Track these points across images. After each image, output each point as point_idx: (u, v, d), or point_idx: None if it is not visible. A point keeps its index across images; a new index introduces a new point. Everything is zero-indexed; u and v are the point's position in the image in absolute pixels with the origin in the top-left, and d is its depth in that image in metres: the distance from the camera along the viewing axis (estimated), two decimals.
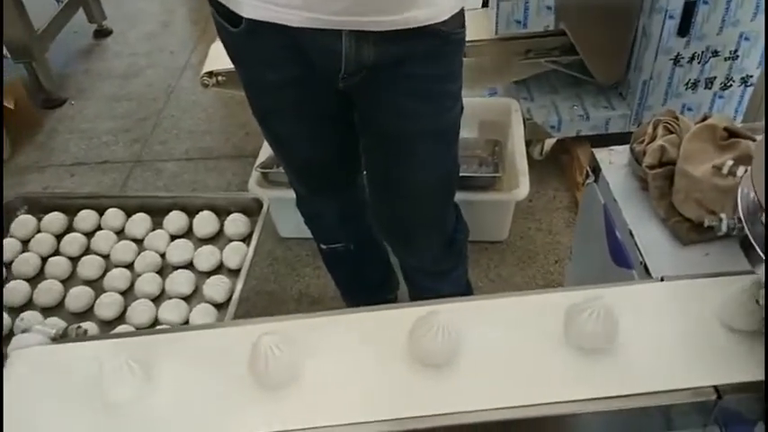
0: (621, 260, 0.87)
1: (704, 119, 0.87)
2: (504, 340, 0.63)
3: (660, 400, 0.58)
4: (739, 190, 0.62)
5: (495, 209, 1.67)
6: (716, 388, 0.59)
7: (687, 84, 1.74)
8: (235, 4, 0.86)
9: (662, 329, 0.63)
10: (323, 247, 1.31)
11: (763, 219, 0.57)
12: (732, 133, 0.83)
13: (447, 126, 1.00)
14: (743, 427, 0.64)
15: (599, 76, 1.79)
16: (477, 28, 1.76)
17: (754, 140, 0.81)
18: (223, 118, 2.30)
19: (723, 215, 0.62)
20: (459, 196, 1.45)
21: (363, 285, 1.43)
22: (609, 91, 1.87)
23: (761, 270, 0.58)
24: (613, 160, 0.93)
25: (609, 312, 0.59)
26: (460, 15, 0.89)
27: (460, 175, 1.60)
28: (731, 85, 1.76)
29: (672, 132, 0.86)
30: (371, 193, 1.11)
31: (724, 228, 0.61)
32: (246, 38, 0.89)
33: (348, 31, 0.84)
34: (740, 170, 0.68)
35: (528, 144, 1.84)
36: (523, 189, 1.57)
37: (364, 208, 1.18)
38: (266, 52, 0.91)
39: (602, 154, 0.94)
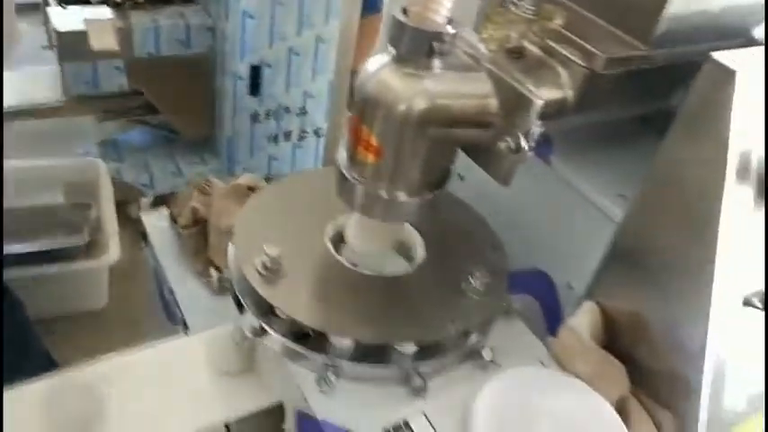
0: (172, 317, 0.89)
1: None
2: None
3: None
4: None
5: (88, 277, 1.58)
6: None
7: (269, 138, 1.91)
8: None
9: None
10: None
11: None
12: (254, 190, 0.93)
13: None
14: None
15: (186, 134, 1.85)
16: (47, 88, 1.66)
17: None
18: None
19: (214, 272, 0.69)
20: (44, 270, 1.34)
21: None
22: (201, 146, 1.95)
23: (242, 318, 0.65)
24: (159, 223, 0.95)
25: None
26: None
27: (44, 249, 1.48)
28: (306, 137, 1.99)
29: (205, 194, 0.92)
30: None
31: (215, 284, 0.68)
32: None
33: None
34: None
35: (124, 203, 1.79)
36: (113, 253, 1.52)
37: None
38: None
39: (149, 218, 0.96)
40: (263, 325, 0.63)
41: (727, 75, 0.55)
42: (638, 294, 0.66)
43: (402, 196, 0.60)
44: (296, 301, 0.63)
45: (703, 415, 0.62)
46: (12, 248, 1.41)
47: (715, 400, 0.62)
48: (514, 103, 0.56)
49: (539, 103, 0.54)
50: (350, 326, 0.63)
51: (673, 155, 0.60)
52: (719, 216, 0.57)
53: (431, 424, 0.58)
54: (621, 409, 0.63)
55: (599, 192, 0.72)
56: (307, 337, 0.63)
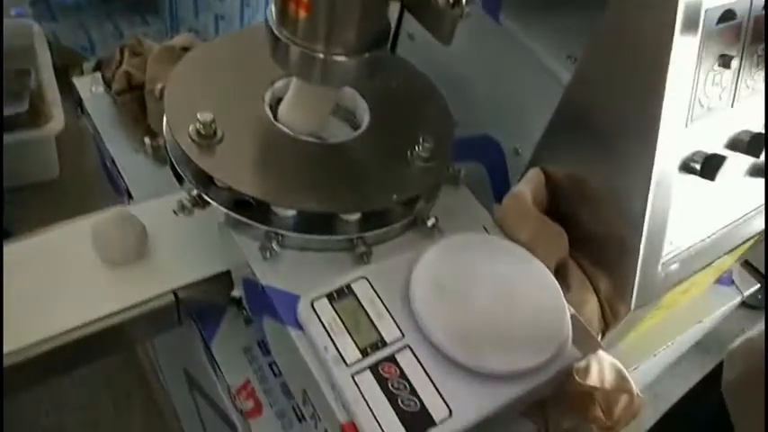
0: (116, 187, 0.87)
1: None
2: None
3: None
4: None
5: (34, 147, 1.52)
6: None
7: None
8: None
9: None
10: None
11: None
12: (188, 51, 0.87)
13: None
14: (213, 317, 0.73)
15: None
16: None
17: None
18: None
19: (147, 140, 0.66)
20: None
21: None
22: (143, 6, 1.82)
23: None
24: (95, 89, 0.90)
25: None
26: None
27: None
28: None
29: (137, 54, 0.86)
30: None
31: (149, 151, 0.65)
32: None
33: None
34: None
35: (66, 69, 1.69)
36: (57, 121, 1.46)
37: None
38: None
39: (83, 83, 0.91)
40: (203, 195, 0.62)
41: None
42: (582, 158, 0.66)
43: (339, 56, 0.57)
44: (234, 171, 0.61)
45: (638, 276, 0.64)
46: None
47: (650, 261, 0.64)
48: None
49: None
50: (292, 195, 0.62)
51: (621, 11, 0.57)
52: (666, 76, 0.55)
53: (373, 288, 0.59)
54: (560, 273, 0.65)
55: (548, 52, 0.69)
56: (248, 206, 0.62)
